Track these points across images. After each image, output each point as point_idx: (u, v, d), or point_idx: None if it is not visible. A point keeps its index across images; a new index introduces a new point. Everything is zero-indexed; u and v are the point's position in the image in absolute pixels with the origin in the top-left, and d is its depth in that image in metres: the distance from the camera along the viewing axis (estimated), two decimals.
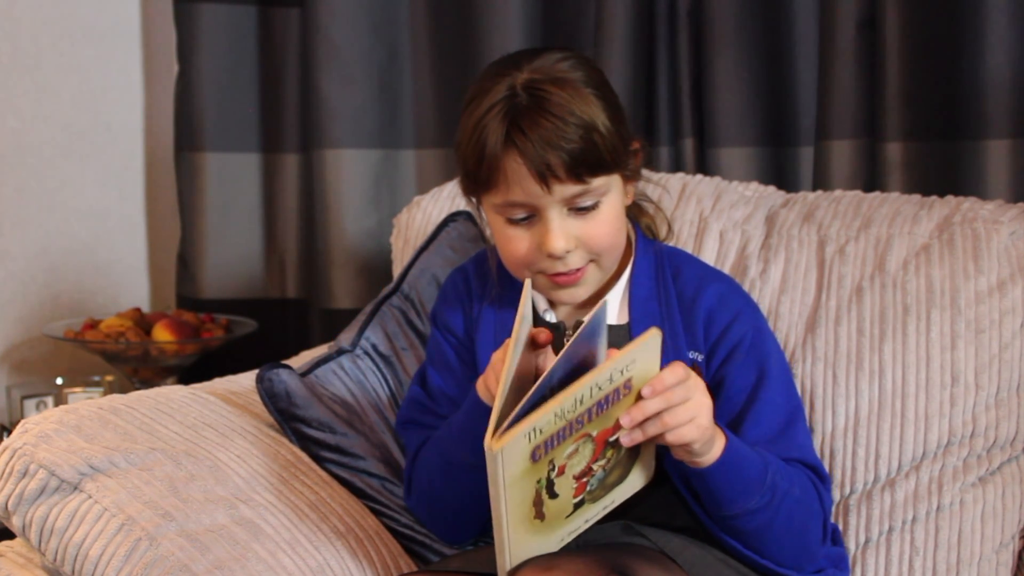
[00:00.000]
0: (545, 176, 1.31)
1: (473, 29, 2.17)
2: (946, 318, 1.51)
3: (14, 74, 2.37)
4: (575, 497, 1.22)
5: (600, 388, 1.16)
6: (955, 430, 1.50)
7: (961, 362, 1.50)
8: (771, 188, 1.76)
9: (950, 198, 1.63)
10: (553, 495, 1.19)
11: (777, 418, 1.38)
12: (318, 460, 1.49)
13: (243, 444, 1.44)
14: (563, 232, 1.34)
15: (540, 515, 1.20)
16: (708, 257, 1.65)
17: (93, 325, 2.27)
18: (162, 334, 2.22)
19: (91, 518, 1.29)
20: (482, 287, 1.50)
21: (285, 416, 1.50)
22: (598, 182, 1.33)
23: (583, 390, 1.15)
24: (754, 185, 1.76)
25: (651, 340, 1.18)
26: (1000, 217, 1.56)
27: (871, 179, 1.88)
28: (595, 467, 1.21)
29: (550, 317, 1.43)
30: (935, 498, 1.48)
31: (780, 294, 1.59)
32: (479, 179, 1.35)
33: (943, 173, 1.83)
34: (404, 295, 1.68)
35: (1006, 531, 1.49)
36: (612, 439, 1.20)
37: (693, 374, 1.22)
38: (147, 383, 2.24)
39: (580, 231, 1.35)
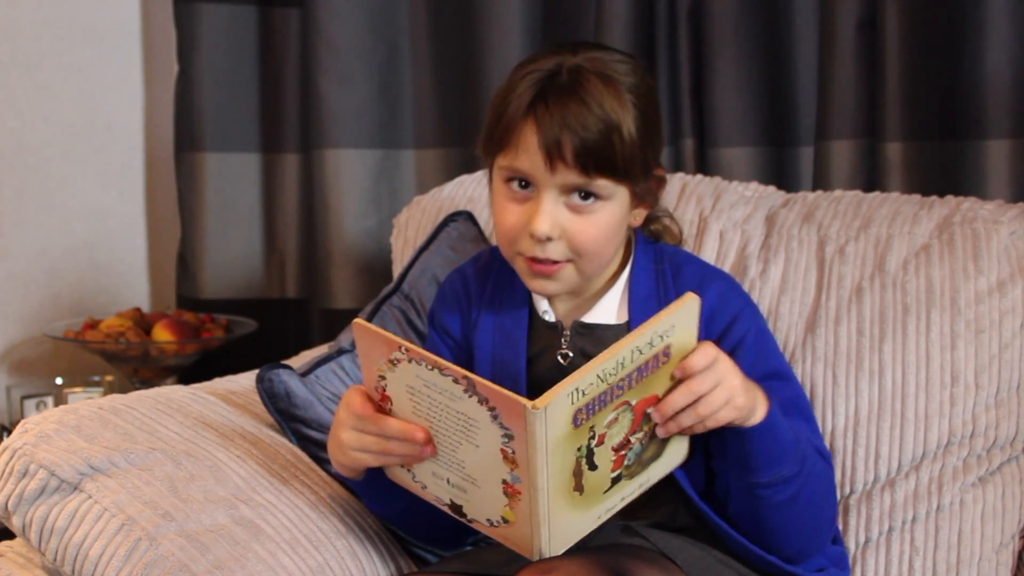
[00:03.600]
0: (552, 155, 1.30)
1: (473, 29, 2.17)
2: (946, 318, 1.51)
3: (14, 74, 2.37)
4: (613, 471, 1.20)
5: (640, 352, 1.16)
6: (955, 430, 1.50)
7: (961, 362, 1.50)
8: (771, 188, 1.76)
9: (950, 198, 1.63)
10: (592, 466, 1.18)
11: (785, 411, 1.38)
12: (318, 460, 1.49)
13: (243, 444, 1.44)
14: (551, 217, 1.33)
15: (579, 487, 1.18)
16: (708, 257, 1.65)
17: (93, 325, 2.27)
18: (162, 334, 2.22)
19: (91, 518, 1.29)
20: (481, 289, 1.49)
21: (285, 416, 1.50)
22: (602, 183, 1.32)
23: (624, 352, 1.15)
24: (754, 185, 1.76)
25: (690, 304, 1.18)
26: (1000, 217, 1.56)
27: (871, 179, 1.88)
28: (632, 440, 1.21)
29: (549, 317, 1.43)
30: (935, 498, 1.48)
31: (780, 294, 1.59)
32: (494, 137, 1.36)
33: (943, 173, 1.83)
34: (404, 295, 1.68)
35: (1006, 531, 1.49)
36: (650, 410, 1.21)
37: (722, 355, 1.23)
38: (147, 383, 2.24)
39: (569, 225, 1.33)
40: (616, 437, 1.19)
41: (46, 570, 1.37)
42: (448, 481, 1.23)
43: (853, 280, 1.57)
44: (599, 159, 1.31)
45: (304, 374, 1.55)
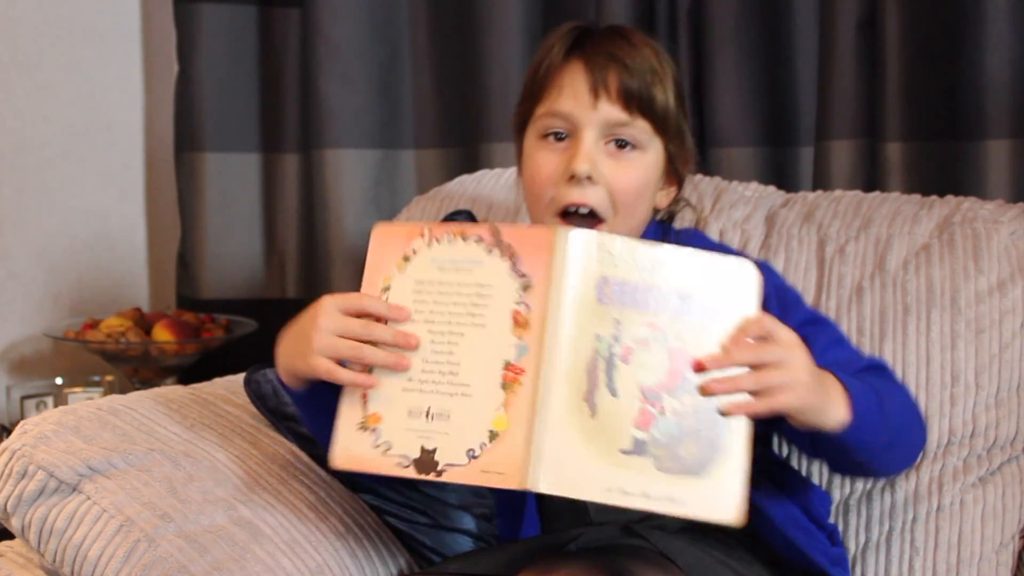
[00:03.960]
0: (597, 87, 1.32)
1: (473, 29, 2.17)
2: (946, 318, 1.51)
3: (14, 74, 2.37)
4: (636, 425, 1.12)
5: (683, 269, 1.14)
6: (955, 430, 1.49)
7: (961, 362, 1.50)
8: (771, 188, 1.76)
9: (950, 198, 1.63)
10: (612, 391, 1.12)
11: (841, 349, 1.38)
12: (316, 459, 1.49)
13: (242, 444, 1.44)
14: (590, 156, 1.33)
15: (591, 402, 1.11)
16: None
17: (93, 325, 2.27)
18: (162, 334, 2.22)
19: (90, 519, 1.29)
20: None
21: (277, 415, 1.50)
22: (642, 126, 1.34)
23: (666, 251, 1.14)
24: (754, 185, 1.76)
25: (744, 271, 1.16)
26: (1000, 217, 1.56)
27: (871, 179, 1.88)
28: (666, 402, 1.13)
29: None
30: (935, 498, 1.48)
31: None
32: (532, 91, 1.37)
33: (943, 173, 1.83)
34: None
35: (1006, 531, 1.49)
36: (689, 377, 1.13)
37: (797, 342, 1.18)
38: (147, 383, 2.24)
39: (608, 169, 1.33)
40: (645, 375, 1.13)
41: (46, 571, 1.37)
42: (427, 414, 1.15)
43: (853, 280, 1.57)
44: (642, 98, 1.33)
45: None
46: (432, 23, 2.25)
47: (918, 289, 1.53)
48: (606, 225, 1.35)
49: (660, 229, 1.46)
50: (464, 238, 1.17)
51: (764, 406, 1.16)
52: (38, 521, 1.31)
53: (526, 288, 1.13)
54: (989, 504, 1.48)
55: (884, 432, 1.27)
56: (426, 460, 1.15)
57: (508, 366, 1.13)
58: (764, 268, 1.39)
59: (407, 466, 1.16)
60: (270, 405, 1.50)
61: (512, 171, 1.85)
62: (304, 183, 2.38)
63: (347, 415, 1.20)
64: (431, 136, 2.28)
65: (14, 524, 1.33)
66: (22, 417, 2.23)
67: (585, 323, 1.12)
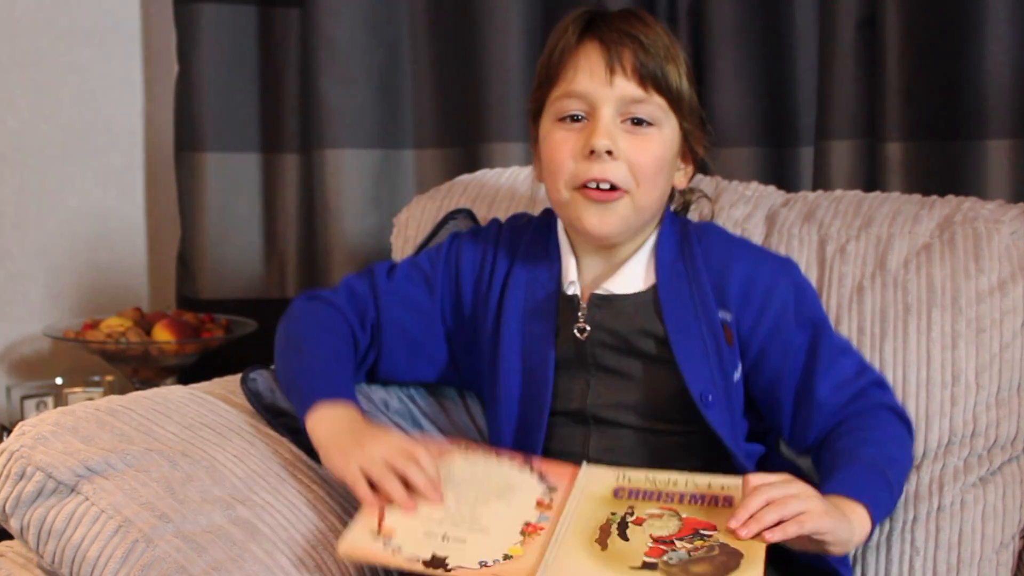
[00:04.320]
0: (613, 64, 1.34)
1: (473, 29, 2.17)
2: (947, 317, 1.51)
3: (14, 74, 2.37)
4: (648, 555, 1.19)
5: (696, 484, 1.22)
6: (956, 430, 1.49)
7: (962, 361, 1.50)
8: (771, 188, 1.76)
9: (951, 198, 1.63)
10: (624, 536, 1.20)
11: (846, 359, 1.41)
12: (313, 455, 1.49)
13: (241, 443, 1.44)
14: (609, 132, 1.35)
15: (603, 543, 1.19)
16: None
17: (93, 325, 2.27)
18: (162, 334, 2.22)
19: (88, 520, 1.29)
20: (508, 262, 1.49)
21: (272, 413, 1.50)
22: (658, 102, 1.36)
23: (680, 475, 1.24)
24: (754, 185, 1.76)
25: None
26: (1001, 217, 1.56)
27: (871, 179, 1.88)
28: (679, 544, 1.20)
29: (573, 290, 1.43)
30: (935, 498, 1.48)
31: None
32: (548, 75, 1.39)
33: (943, 173, 1.83)
34: None
35: (1006, 531, 1.49)
36: (704, 532, 1.21)
37: (796, 481, 1.23)
38: (147, 383, 2.24)
39: (626, 145, 1.36)
40: (658, 530, 1.21)
41: (45, 572, 1.37)
42: (443, 537, 1.23)
43: (854, 279, 1.57)
44: (656, 75, 1.35)
45: None
46: (432, 23, 2.25)
47: (919, 289, 1.53)
48: (629, 197, 1.37)
49: (678, 222, 1.47)
50: (498, 457, 1.28)
51: (782, 533, 1.20)
52: (37, 522, 1.30)
53: (551, 490, 1.26)
54: (989, 504, 1.48)
55: (894, 502, 1.36)
56: (437, 561, 1.21)
57: (528, 524, 1.22)
58: (788, 264, 1.45)
59: (416, 562, 1.21)
60: (265, 402, 1.50)
61: (513, 170, 1.85)
62: (304, 183, 2.38)
63: (363, 520, 1.27)
64: (431, 136, 2.28)
65: (13, 525, 1.33)
66: (22, 417, 2.23)
67: (599, 507, 1.22)
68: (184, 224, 2.44)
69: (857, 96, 1.88)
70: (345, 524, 1.41)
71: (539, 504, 1.23)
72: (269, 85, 2.39)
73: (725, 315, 1.40)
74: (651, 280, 1.42)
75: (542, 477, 1.27)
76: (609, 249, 1.43)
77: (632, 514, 1.20)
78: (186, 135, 2.41)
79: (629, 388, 1.41)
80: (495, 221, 1.55)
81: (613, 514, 1.21)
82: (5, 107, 2.36)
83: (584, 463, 1.25)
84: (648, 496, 1.21)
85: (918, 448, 1.49)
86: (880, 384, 1.43)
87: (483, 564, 1.20)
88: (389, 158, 2.30)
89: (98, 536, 1.28)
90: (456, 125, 2.25)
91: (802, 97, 1.99)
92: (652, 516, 1.21)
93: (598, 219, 1.37)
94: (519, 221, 1.54)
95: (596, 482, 1.22)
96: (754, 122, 2.00)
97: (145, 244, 2.59)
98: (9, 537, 1.43)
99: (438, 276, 1.51)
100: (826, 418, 1.38)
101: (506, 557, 1.20)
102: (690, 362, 1.37)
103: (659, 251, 1.43)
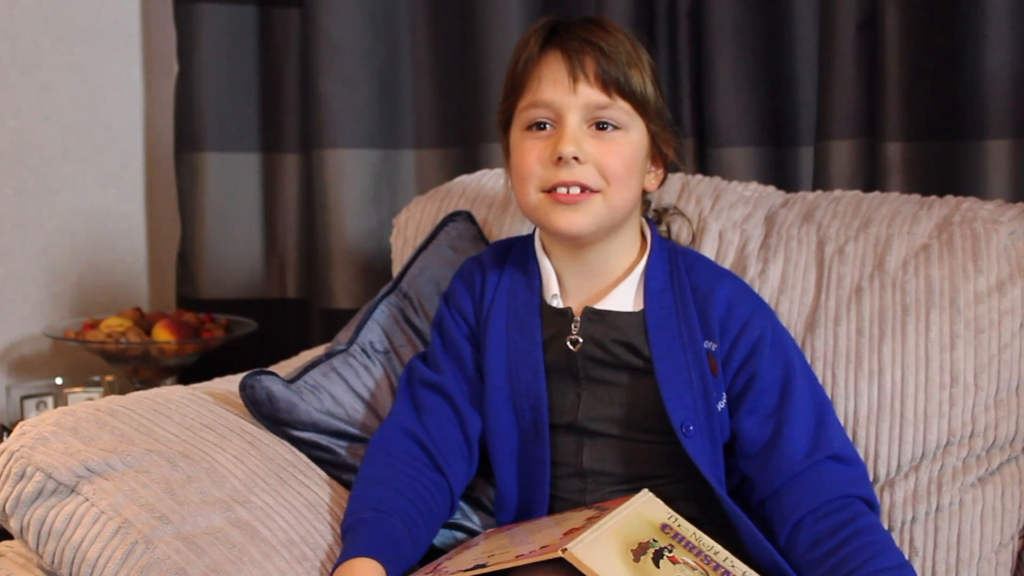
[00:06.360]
0: (576, 72, 1.36)
1: (473, 29, 2.17)
2: (945, 318, 1.51)
3: (14, 74, 2.37)
4: None
5: (733, 565, 1.27)
6: (954, 430, 1.49)
7: (960, 362, 1.50)
8: (770, 188, 1.76)
9: (949, 198, 1.63)
10: (656, 564, 1.24)
11: (810, 414, 1.40)
12: (314, 460, 1.49)
13: (241, 445, 1.44)
14: (576, 138, 1.37)
15: (637, 557, 1.23)
16: (707, 256, 1.64)
17: (93, 325, 2.27)
18: (162, 334, 2.22)
19: (88, 521, 1.29)
20: (497, 275, 1.51)
21: (272, 420, 1.50)
22: (623, 106, 1.38)
23: (723, 549, 1.29)
24: (753, 185, 1.76)
25: None
26: (999, 217, 1.56)
27: (871, 179, 1.88)
28: None
29: (557, 303, 1.44)
30: (934, 498, 1.48)
31: (779, 294, 1.59)
32: (513, 87, 1.41)
33: (943, 173, 1.83)
34: (403, 293, 1.67)
35: (1005, 531, 1.49)
36: None
37: None
38: (147, 383, 2.24)
39: (593, 148, 1.37)
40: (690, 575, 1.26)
41: (44, 572, 1.37)
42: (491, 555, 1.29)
43: (852, 280, 1.57)
44: (619, 80, 1.37)
45: (293, 380, 1.53)
46: (432, 23, 2.25)
47: (917, 289, 1.53)
48: (601, 195, 1.38)
49: (666, 249, 1.47)
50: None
51: None
52: (36, 522, 1.30)
53: (603, 509, 1.31)
54: (988, 504, 1.48)
55: None
56: (476, 565, 1.27)
57: (572, 529, 1.27)
58: (762, 309, 1.45)
59: (464, 568, 1.28)
60: (264, 411, 1.49)
61: None
62: (304, 183, 2.38)
63: None
64: (431, 136, 2.28)
65: (13, 525, 1.33)
66: (22, 417, 2.23)
67: (644, 527, 1.28)
68: (184, 224, 2.44)
69: (857, 96, 1.88)
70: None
71: (588, 519, 1.27)
72: (269, 85, 2.40)
73: (711, 345, 1.41)
74: (640, 305, 1.43)
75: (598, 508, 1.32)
76: (583, 249, 1.43)
77: (671, 551, 1.25)
78: (186, 135, 2.41)
79: (615, 400, 1.42)
80: (472, 261, 1.56)
81: (655, 540, 1.25)
82: (5, 107, 2.36)
83: (646, 490, 1.30)
84: (689, 547, 1.26)
85: (917, 449, 1.49)
86: (837, 458, 1.39)
87: (519, 556, 1.25)
88: (389, 158, 2.31)
89: (98, 537, 1.28)
90: (456, 125, 2.25)
91: (802, 97, 1.99)
92: (686, 564, 1.24)
93: (567, 219, 1.38)
94: (500, 245, 1.56)
95: (650, 509, 1.28)
96: (754, 122, 2.00)
97: (145, 244, 2.59)
98: (9, 537, 1.43)
99: (462, 332, 1.52)
100: (782, 477, 1.37)
101: (543, 548, 1.24)
102: (672, 390, 1.38)
103: (647, 279, 1.44)
